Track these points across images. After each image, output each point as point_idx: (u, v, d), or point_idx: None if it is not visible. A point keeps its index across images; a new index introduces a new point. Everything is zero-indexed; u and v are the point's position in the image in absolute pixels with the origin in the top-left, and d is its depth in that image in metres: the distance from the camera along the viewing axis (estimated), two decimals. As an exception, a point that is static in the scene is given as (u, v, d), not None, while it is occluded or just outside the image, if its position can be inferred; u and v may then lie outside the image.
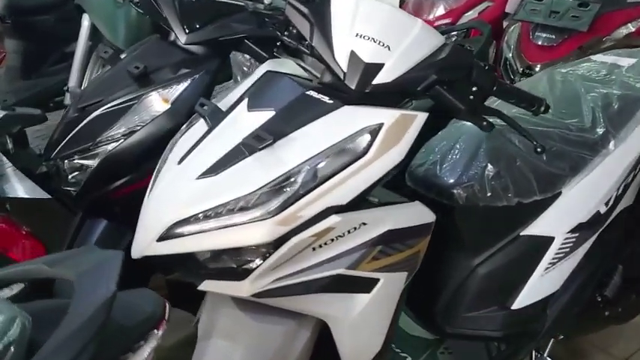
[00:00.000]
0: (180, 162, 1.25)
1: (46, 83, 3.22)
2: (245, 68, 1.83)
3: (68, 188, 1.64)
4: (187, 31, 1.65)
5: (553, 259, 1.61)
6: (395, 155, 1.15)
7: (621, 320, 1.94)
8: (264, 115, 1.22)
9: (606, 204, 1.64)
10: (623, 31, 2.54)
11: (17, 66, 3.25)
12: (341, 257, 1.18)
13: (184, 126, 1.38)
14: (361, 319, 1.25)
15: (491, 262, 1.59)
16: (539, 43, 2.64)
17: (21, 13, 3.14)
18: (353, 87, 1.19)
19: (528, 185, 1.55)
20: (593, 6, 2.55)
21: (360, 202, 1.17)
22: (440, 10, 3.15)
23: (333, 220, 1.13)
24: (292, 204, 1.11)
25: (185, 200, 1.17)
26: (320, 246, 1.15)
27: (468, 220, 1.61)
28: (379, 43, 1.19)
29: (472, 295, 1.61)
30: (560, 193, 1.58)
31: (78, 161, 1.61)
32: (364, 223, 1.18)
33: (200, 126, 1.32)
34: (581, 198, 1.60)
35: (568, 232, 1.60)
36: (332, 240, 1.16)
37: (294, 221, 1.11)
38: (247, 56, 1.81)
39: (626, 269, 1.78)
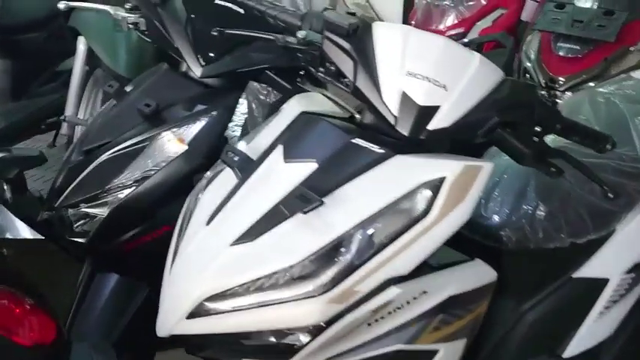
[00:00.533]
0: (208, 222, 1.09)
1: (37, 104, 3.03)
2: (262, 97, 1.67)
3: (74, 238, 1.48)
4: (203, 63, 1.49)
5: (608, 302, 1.48)
6: (460, 214, 1.01)
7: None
8: (304, 168, 1.07)
9: (663, 240, 1.51)
10: (651, 40, 2.41)
11: (6, 87, 3.07)
12: (399, 331, 1.03)
13: (209, 173, 1.23)
14: (417, 393, 1.11)
15: (540, 308, 1.46)
16: (562, 54, 2.48)
17: (8, 32, 2.96)
18: (406, 134, 1.05)
19: (582, 224, 1.41)
20: (619, 14, 2.41)
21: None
22: (451, 19, 2.99)
23: (392, 292, 0.99)
24: (347, 277, 0.96)
25: (218, 270, 1.02)
26: (376, 320, 1.01)
27: (515, 262, 1.47)
28: (434, 83, 1.05)
29: (519, 344, 1.48)
30: (614, 231, 1.45)
31: (85, 210, 1.45)
32: (424, 292, 1.03)
33: (227, 177, 1.16)
34: (637, 235, 1.47)
35: (624, 273, 1.47)
36: (389, 313, 1.01)
37: (350, 297, 0.96)
38: (264, 84, 1.66)
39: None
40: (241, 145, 1.21)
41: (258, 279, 0.99)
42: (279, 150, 1.13)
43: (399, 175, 1.02)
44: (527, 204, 1.40)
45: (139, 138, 1.43)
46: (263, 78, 1.53)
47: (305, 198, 1.00)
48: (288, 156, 1.10)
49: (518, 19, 2.94)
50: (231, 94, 1.52)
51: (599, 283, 1.46)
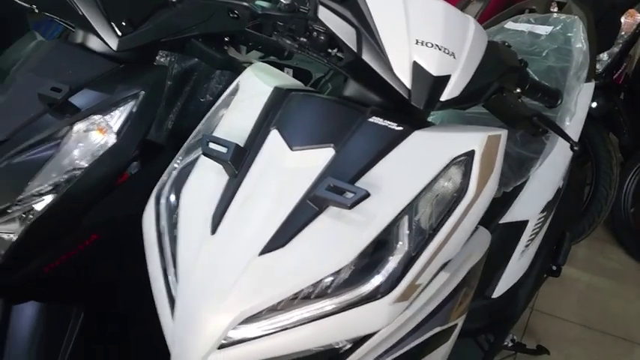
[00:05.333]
0: (214, 231, 0.92)
1: None
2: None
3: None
4: (119, 33, 1.20)
5: (527, 241, 1.61)
6: (492, 185, 0.98)
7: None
8: (320, 155, 0.94)
9: (563, 179, 1.67)
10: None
11: None
12: (436, 313, 1.00)
13: (176, 166, 1.03)
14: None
15: (475, 257, 1.54)
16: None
17: None
18: (421, 107, 0.97)
19: (510, 174, 1.50)
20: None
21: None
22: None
23: (442, 278, 0.94)
24: (407, 271, 0.88)
25: (250, 287, 0.87)
26: (419, 309, 0.95)
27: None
28: (444, 51, 0.98)
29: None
30: (530, 176, 1.57)
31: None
32: (455, 270, 1.00)
33: (211, 171, 0.99)
34: (547, 177, 1.61)
35: (539, 213, 1.60)
36: (430, 298, 0.96)
37: (414, 292, 0.89)
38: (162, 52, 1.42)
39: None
40: (218, 133, 1.02)
41: (301, 290, 0.86)
42: (276, 135, 0.98)
43: (426, 153, 0.96)
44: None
45: (49, 132, 1.13)
46: (188, 47, 1.30)
47: (339, 189, 0.88)
48: (295, 143, 0.96)
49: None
50: (155, 70, 1.27)
51: (521, 225, 1.57)
